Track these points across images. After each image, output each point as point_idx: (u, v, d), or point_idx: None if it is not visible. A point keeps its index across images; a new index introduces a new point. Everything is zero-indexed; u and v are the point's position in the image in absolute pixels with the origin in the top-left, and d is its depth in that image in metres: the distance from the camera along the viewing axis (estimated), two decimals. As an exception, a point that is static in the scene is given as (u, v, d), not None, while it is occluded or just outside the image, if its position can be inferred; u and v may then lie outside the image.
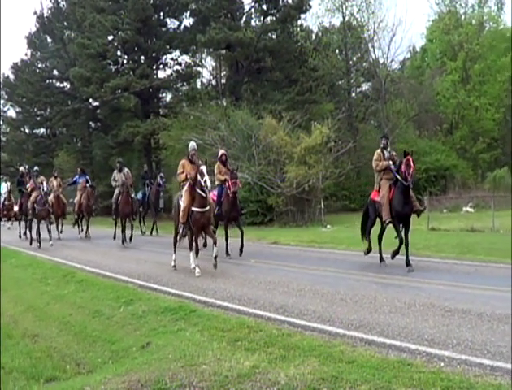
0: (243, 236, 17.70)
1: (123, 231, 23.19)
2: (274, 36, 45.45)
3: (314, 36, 48.82)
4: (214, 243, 14.69)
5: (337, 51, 49.08)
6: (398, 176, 14.14)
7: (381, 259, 15.04)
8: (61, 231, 26.62)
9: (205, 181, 14.11)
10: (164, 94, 51.71)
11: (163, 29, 47.62)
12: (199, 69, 51.67)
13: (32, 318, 12.73)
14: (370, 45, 48.32)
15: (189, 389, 6.89)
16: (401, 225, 14.34)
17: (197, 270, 14.48)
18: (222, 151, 19.26)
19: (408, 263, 13.91)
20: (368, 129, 49.35)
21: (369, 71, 49.65)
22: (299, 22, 47.09)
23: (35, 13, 57.89)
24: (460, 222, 23.89)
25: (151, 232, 27.96)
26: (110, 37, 46.74)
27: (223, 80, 51.42)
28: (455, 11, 49.38)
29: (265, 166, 31.74)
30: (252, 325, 9.17)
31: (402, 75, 52.01)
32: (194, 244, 15.40)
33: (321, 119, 34.50)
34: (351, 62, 49.06)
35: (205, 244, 18.30)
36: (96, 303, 12.61)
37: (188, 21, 47.77)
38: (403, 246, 14.11)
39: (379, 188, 14.92)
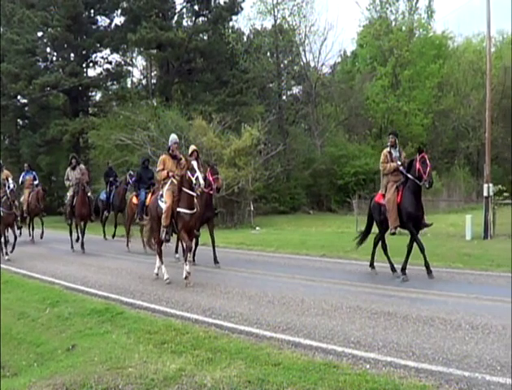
0: (214, 243, 16.69)
1: (83, 234, 21.03)
2: (205, 37, 45.74)
3: (245, 39, 49.27)
4: (190, 249, 13.60)
5: (268, 54, 49.50)
6: (410, 176, 13.05)
7: (393, 269, 13.93)
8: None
9: (196, 178, 12.48)
10: (94, 93, 51.31)
11: (94, 27, 47.21)
12: (129, 68, 51.69)
13: (-46, 321, 12.39)
14: (301, 48, 49.06)
15: (115, 392, 6.82)
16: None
17: (187, 279, 12.87)
18: (193, 147, 16.15)
19: (428, 268, 13.13)
20: (298, 132, 49.96)
21: (300, 75, 50.29)
22: (231, 23, 47.71)
23: (-37, 6, 56.61)
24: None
25: (113, 235, 25.40)
26: (40, 33, 46.22)
27: (154, 80, 51.41)
28: (386, 18, 50.38)
29: (194, 167, 31.60)
30: (179, 327, 9.12)
31: (333, 79, 52.69)
32: (181, 248, 13.78)
33: (251, 121, 34.72)
34: (282, 65, 49.53)
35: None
36: (21, 305, 12.32)
37: (119, 19, 47.72)
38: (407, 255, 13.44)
39: (386, 191, 13.65)
